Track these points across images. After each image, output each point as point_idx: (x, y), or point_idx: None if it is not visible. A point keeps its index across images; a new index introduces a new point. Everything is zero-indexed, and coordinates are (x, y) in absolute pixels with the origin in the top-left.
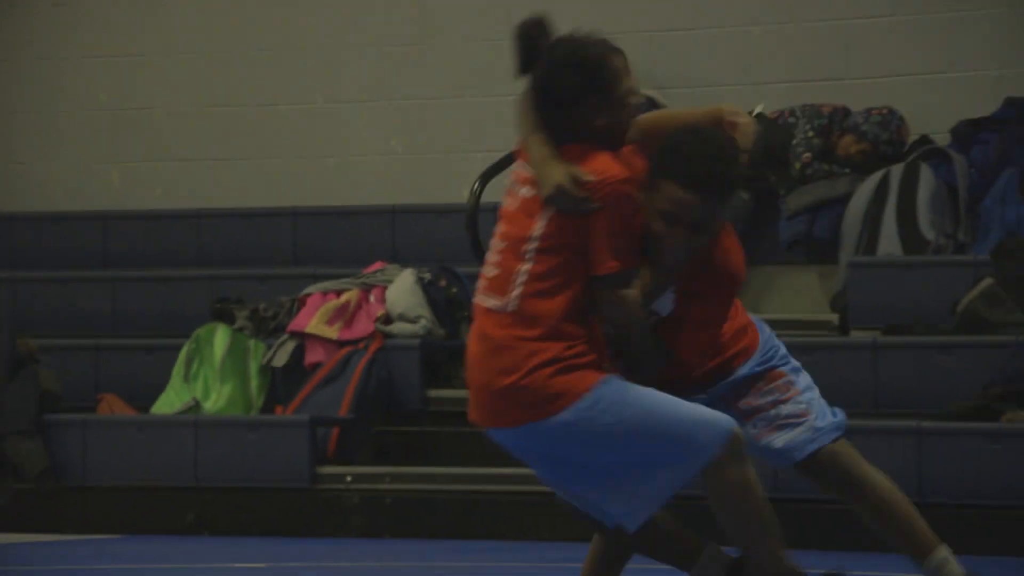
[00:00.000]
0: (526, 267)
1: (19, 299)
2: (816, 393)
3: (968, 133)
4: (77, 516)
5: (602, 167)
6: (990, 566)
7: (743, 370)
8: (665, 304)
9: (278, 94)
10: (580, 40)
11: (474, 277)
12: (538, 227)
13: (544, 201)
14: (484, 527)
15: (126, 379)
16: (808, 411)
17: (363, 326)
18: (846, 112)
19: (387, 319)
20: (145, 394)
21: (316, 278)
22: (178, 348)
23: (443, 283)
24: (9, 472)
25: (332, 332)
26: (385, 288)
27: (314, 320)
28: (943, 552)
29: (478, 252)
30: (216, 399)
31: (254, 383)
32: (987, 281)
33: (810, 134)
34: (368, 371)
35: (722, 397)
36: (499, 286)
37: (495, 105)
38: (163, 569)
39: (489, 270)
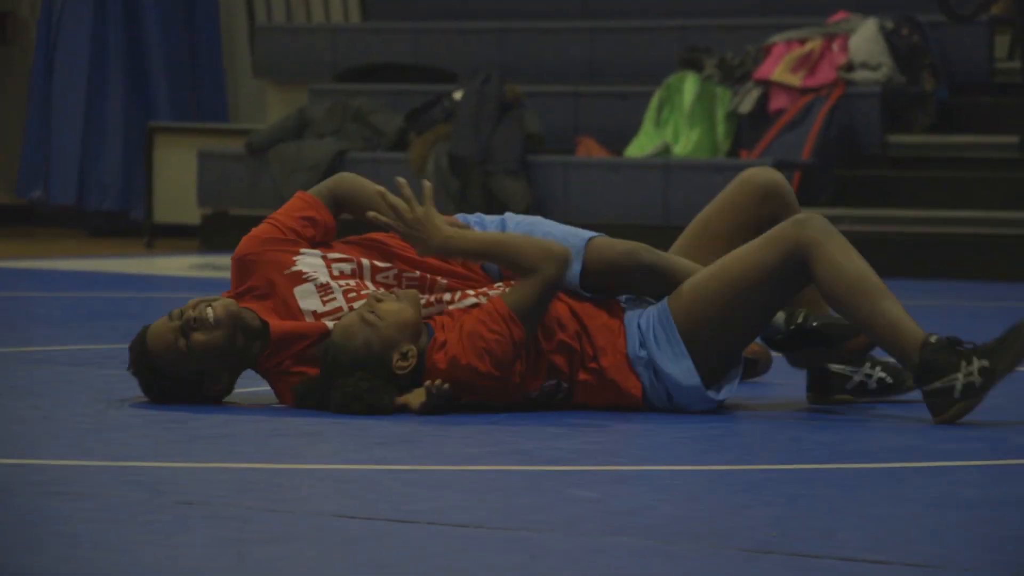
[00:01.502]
0: None
1: (506, 48)
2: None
3: None
4: None
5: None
6: None
7: None
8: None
9: None
10: None
11: (935, 25)
12: None
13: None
14: (940, 267)
15: (602, 123)
16: None
17: (826, 73)
18: None
19: (849, 67)
20: (619, 138)
21: (781, 27)
22: (650, 95)
23: (905, 31)
24: (496, 207)
25: (796, 80)
26: (848, 37)
27: (779, 68)
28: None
29: (942, 2)
30: (685, 143)
31: (720, 128)
32: None
33: None
34: (830, 117)
35: None
36: None
37: None
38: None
39: None
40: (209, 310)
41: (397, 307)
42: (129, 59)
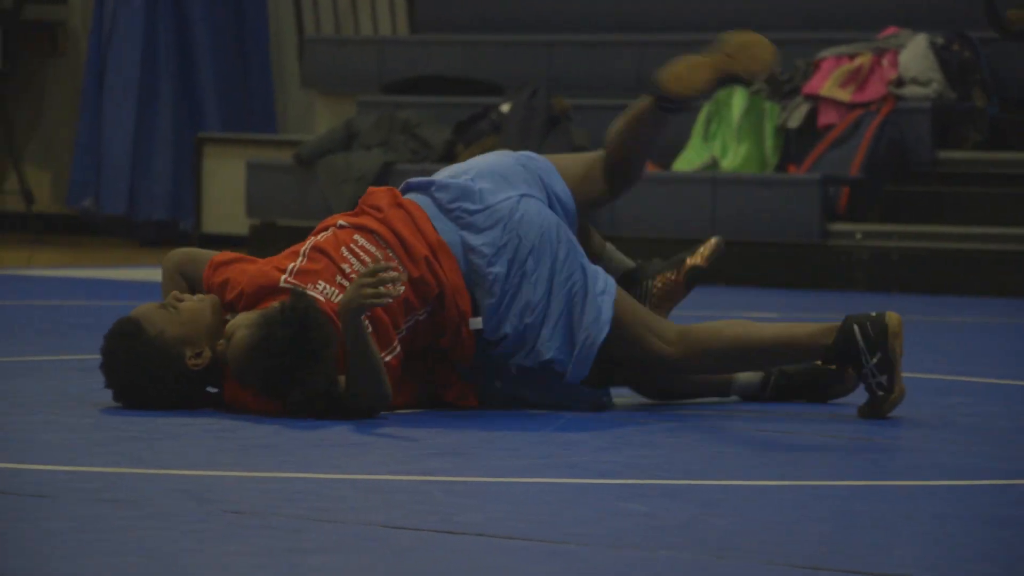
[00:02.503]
0: None
1: (555, 61)
2: None
3: None
4: (602, 264)
5: None
6: None
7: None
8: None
9: None
10: None
11: (986, 41)
12: None
13: None
14: (991, 284)
15: None
16: None
17: (875, 88)
18: None
19: (899, 82)
20: (667, 151)
21: (830, 43)
22: (698, 109)
23: (956, 47)
24: None
25: (845, 95)
26: (898, 52)
27: (828, 83)
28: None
29: (992, 17)
30: (733, 158)
31: (769, 143)
32: None
33: None
34: (879, 132)
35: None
36: None
37: None
38: (678, 316)
39: None
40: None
41: (197, 306)
42: (179, 70)
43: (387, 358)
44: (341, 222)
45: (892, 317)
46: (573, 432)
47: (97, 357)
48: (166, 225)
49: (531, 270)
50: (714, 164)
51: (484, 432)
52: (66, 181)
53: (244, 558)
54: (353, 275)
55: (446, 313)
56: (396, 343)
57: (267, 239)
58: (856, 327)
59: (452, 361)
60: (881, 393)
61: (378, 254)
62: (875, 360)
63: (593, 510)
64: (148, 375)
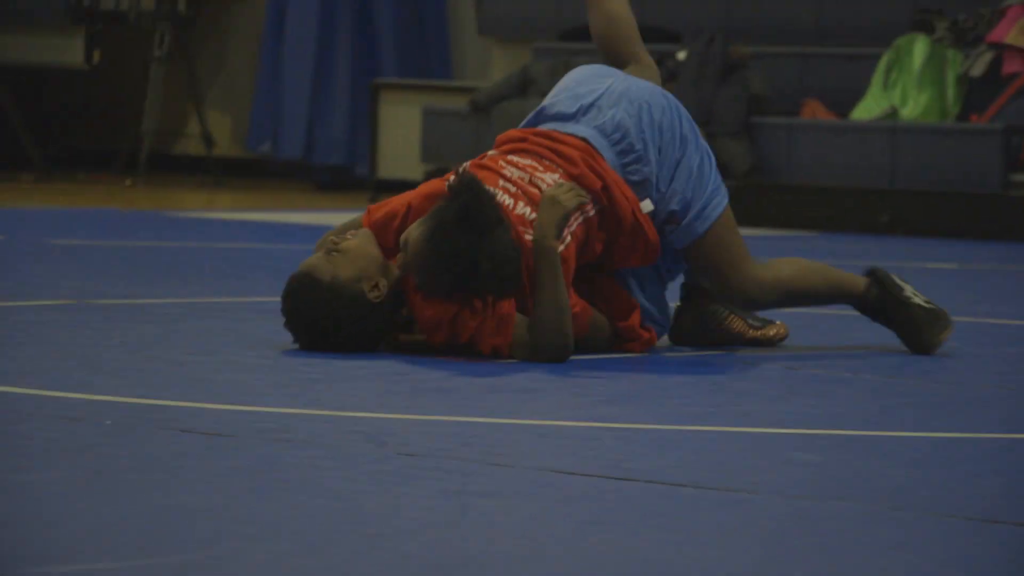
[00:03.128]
0: None
1: (732, 9)
2: None
3: None
4: (778, 213)
5: None
6: None
7: None
8: None
9: None
10: None
11: None
12: None
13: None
14: None
15: (828, 86)
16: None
17: None
18: None
19: None
20: (845, 100)
21: None
22: (878, 57)
23: None
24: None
25: None
26: None
27: (1013, 31)
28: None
29: None
30: (913, 107)
31: (951, 92)
32: None
33: None
34: None
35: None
36: None
37: None
38: (858, 266)
39: None
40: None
41: (357, 243)
42: (357, 17)
43: (560, 247)
44: (490, 153)
45: None
46: (746, 381)
47: (276, 299)
48: (342, 170)
49: (667, 127)
50: (894, 113)
51: (657, 379)
52: (245, 125)
53: (417, 500)
54: (513, 181)
55: (617, 205)
56: (566, 233)
57: None
58: (881, 271)
59: (634, 276)
60: (934, 306)
61: (535, 163)
62: (910, 286)
63: (765, 459)
64: (336, 321)
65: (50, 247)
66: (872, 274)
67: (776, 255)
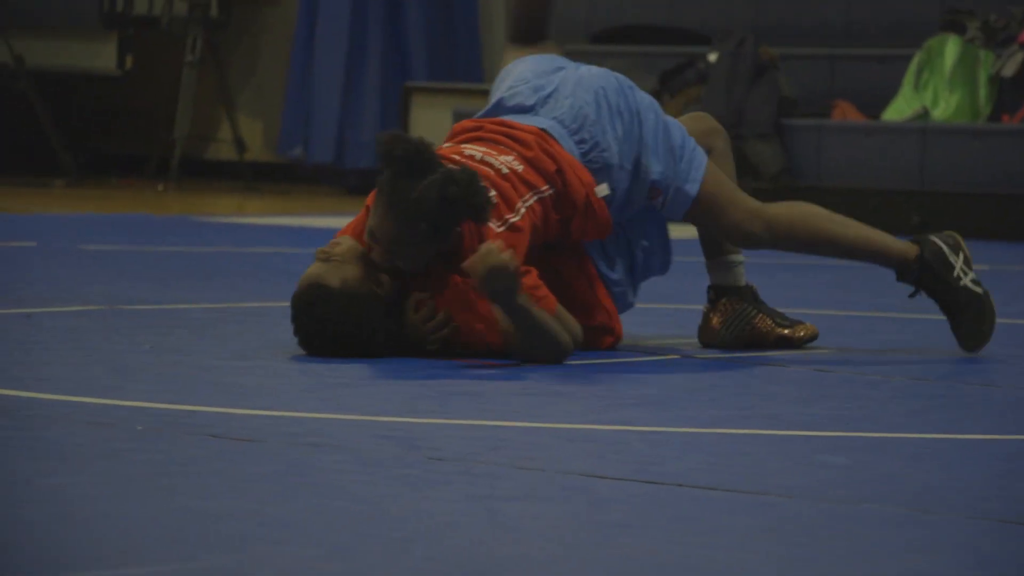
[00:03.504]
0: None
1: (762, 10)
2: None
3: None
4: None
5: None
6: None
7: None
8: None
9: None
10: None
11: None
12: None
13: None
14: None
15: (858, 87)
16: None
17: None
18: None
19: None
20: (875, 101)
21: None
22: (909, 57)
23: None
24: (748, 172)
25: None
26: None
27: None
28: None
29: None
30: (944, 107)
31: (982, 92)
32: None
33: None
34: None
35: None
36: None
37: None
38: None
39: None
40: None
41: (346, 247)
42: (388, 20)
43: (514, 219)
44: (444, 145)
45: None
46: (775, 384)
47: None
48: (373, 174)
49: (624, 108)
50: (925, 114)
51: (685, 382)
52: (277, 130)
53: (444, 504)
54: (471, 158)
55: (570, 187)
56: (520, 204)
57: None
58: (933, 236)
59: (589, 256)
60: (980, 290)
61: (489, 149)
62: (961, 261)
63: (794, 462)
64: (357, 324)
65: (82, 252)
66: (921, 249)
67: (806, 258)
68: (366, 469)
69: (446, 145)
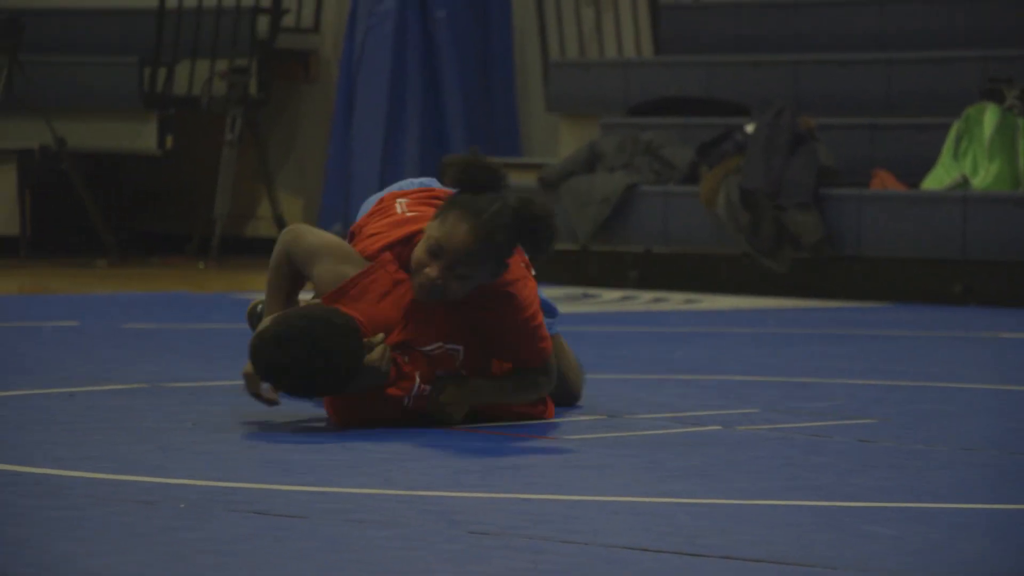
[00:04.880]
0: None
1: (800, 81)
2: None
3: None
4: (850, 285)
5: None
6: None
7: None
8: None
9: None
10: None
11: None
12: None
13: None
14: None
15: (898, 155)
16: None
17: None
18: None
19: None
20: (915, 170)
21: None
22: (948, 126)
23: None
24: (788, 242)
25: None
26: None
27: None
28: None
29: None
30: (984, 176)
31: (1021, 160)
32: None
33: None
34: None
35: None
36: None
37: None
38: (931, 337)
39: None
40: None
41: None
42: (426, 95)
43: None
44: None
45: None
46: (818, 455)
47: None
48: None
49: None
50: (964, 182)
51: (729, 454)
52: (317, 206)
53: None
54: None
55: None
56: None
57: None
58: None
59: None
60: None
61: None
62: None
63: (841, 533)
64: (348, 351)
65: (124, 331)
66: None
67: (850, 328)
68: (410, 544)
69: (402, 199)
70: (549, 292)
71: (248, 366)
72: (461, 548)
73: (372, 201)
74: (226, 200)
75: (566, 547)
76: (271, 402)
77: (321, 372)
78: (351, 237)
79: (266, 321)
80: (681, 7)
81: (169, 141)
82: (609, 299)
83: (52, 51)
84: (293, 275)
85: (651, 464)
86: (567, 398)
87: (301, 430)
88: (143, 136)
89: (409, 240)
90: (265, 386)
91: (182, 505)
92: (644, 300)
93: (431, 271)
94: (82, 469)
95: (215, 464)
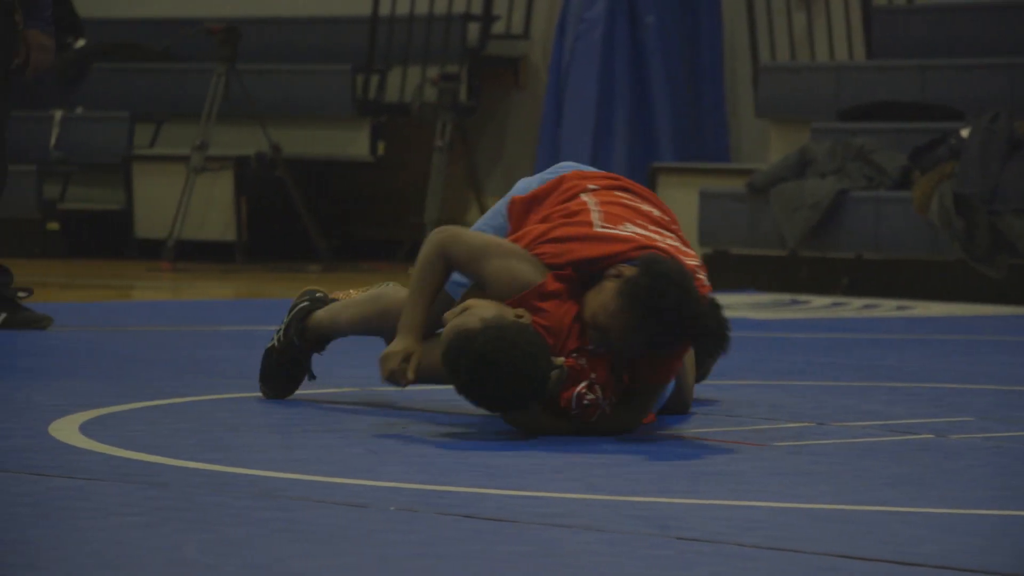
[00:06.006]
0: None
1: (1017, 84)
2: None
3: None
4: None
5: None
6: None
7: None
8: None
9: None
10: None
11: None
12: None
13: None
14: None
15: None
16: None
17: None
18: None
19: None
20: None
21: None
22: None
23: None
24: (1003, 248)
25: None
26: None
27: None
28: None
29: None
30: None
31: None
32: None
33: None
34: None
35: None
36: None
37: None
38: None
39: None
40: None
41: (471, 301)
42: (634, 102)
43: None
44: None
45: None
46: None
47: None
48: None
49: None
50: None
51: (941, 461)
52: None
53: None
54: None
55: None
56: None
57: (719, 267)
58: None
59: None
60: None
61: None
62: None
63: None
64: (537, 355)
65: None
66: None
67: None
68: (615, 550)
69: (591, 187)
70: (756, 298)
71: (387, 351)
72: (669, 555)
73: (538, 179)
74: (436, 206)
75: (776, 555)
76: (405, 384)
77: (515, 398)
78: (516, 205)
79: (449, 328)
80: (894, 9)
81: (381, 147)
82: (819, 305)
83: (267, 59)
84: (444, 274)
85: (861, 472)
86: (680, 407)
87: (509, 436)
88: (355, 143)
89: (597, 262)
90: (399, 369)
91: (391, 508)
92: (854, 307)
93: (596, 336)
94: (296, 471)
95: (425, 467)
